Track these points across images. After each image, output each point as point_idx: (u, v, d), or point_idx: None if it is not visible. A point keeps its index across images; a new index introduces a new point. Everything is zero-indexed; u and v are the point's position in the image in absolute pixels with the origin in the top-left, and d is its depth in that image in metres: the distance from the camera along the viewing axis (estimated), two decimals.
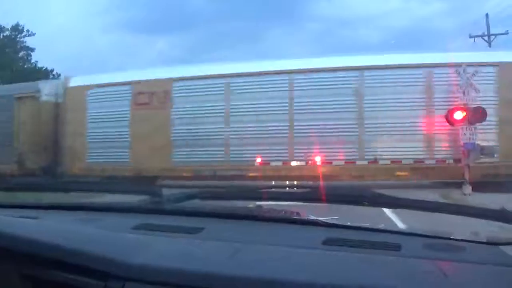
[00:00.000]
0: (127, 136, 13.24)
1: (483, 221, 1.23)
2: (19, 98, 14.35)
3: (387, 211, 5.77)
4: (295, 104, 12.17)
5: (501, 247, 1.13)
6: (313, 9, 72.84)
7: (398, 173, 11.73)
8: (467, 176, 10.36)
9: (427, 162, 11.54)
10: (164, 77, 13.05)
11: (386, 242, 1.12)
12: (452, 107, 10.81)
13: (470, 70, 10.79)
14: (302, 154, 12.13)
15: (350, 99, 11.94)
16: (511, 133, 10.71)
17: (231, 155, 12.43)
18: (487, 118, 10.60)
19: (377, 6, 72.40)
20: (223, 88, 12.61)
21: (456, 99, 10.96)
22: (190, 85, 12.93)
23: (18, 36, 30.49)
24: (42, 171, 13.10)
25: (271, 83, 12.35)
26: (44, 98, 14.28)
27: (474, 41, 23.12)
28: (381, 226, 1.34)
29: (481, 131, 10.72)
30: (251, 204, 1.56)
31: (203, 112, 12.66)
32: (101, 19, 70.81)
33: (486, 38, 23.29)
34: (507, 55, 11.83)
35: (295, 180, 10.88)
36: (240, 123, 12.39)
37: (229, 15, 77.13)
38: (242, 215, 1.43)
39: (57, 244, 0.94)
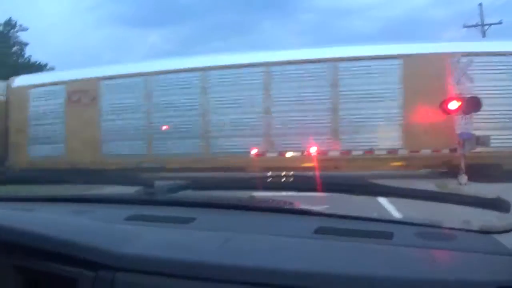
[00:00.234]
0: (63, 131, 14.56)
1: (478, 210, 1.23)
2: None
3: (382, 200, 5.81)
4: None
5: (494, 235, 1.12)
6: (307, 0, 72.59)
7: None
8: (462, 165, 10.39)
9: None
10: (92, 76, 14.22)
11: (378, 231, 1.11)
12: (446, 97, 10.78)
13: (465, 60, 10.80)
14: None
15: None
16: None
17: (152, 148, 13.64)
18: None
19: None
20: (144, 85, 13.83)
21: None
22: (120, 83, 14.03)
23: (11, 31, 30.31)
24: None
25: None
26: None
27: (468, 30, 23.14)
28: (374, 215, 1.33)
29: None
30: (244, 194, 1.55)
31: (127, 108, 13.91)
32: (94, 12, 70.45)
33: (480, 27, 23.28)
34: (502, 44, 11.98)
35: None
36: (162, 118, 13.58)
37: (222, 7, 76.88)
38: (234, 205, 1.42)
39: (48, 235, 0.94)
